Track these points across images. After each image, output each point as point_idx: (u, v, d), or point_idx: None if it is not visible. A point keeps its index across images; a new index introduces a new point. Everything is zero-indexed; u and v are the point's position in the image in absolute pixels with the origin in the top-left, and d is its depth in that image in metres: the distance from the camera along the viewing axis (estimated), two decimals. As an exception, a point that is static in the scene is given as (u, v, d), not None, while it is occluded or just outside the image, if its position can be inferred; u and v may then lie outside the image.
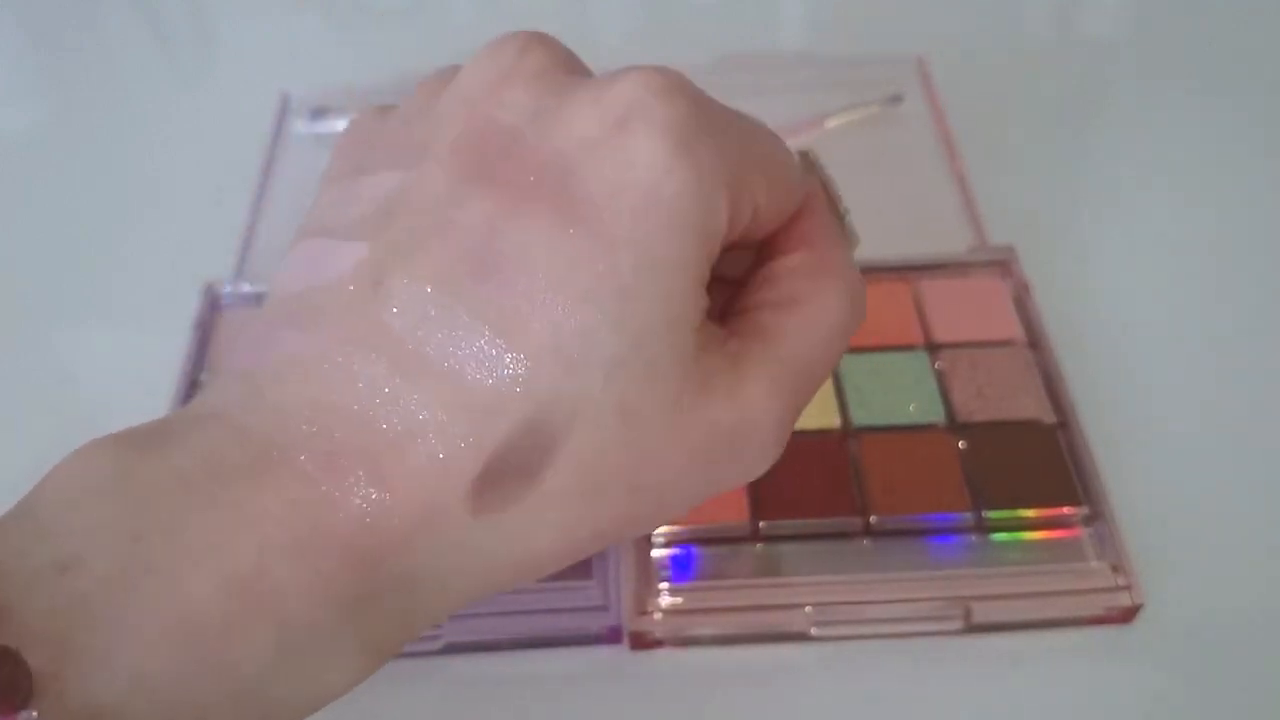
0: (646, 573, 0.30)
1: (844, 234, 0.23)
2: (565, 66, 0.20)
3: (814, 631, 0.29)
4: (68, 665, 0.15)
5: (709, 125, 0.19)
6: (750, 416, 0.19)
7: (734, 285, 0.22)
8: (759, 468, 0.20)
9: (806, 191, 0.22)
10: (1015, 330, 0.35)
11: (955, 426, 0.32)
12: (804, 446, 0.32)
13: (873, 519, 0.30)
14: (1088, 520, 0.30)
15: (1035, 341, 0.34)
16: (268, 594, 0.16)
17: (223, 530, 0.16)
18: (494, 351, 0.17)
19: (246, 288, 0.36)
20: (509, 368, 0.17)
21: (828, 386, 0.33)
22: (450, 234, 0.18)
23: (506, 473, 0.17)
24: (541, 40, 0.20)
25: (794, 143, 0.22)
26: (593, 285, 0.17)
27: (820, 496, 0.31)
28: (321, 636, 0.17)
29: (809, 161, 0.23)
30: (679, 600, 0.29)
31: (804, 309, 0.20)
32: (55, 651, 0.15)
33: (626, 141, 0.18)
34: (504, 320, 0.17)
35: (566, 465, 0.18)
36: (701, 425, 0.18)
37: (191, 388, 0.33)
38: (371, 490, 0.17)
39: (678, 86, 0.19)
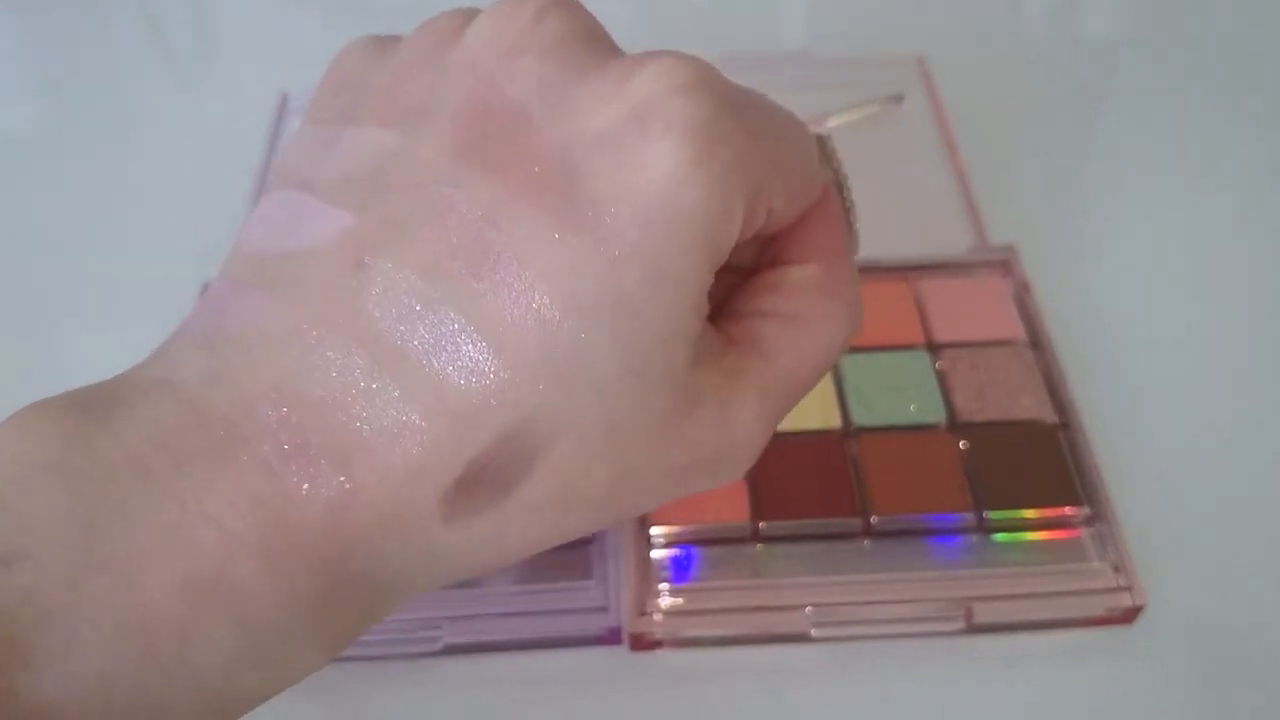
0: (646, 574, 0.30)
1: (852, 236, 0.22)
2: (585, 36, 0.18)
3: (814, 632, 0.29)
4: (21, 666, 0.14)
5: (734, 126, 0.17)
6: (734, 439, 0.18)
7: (737, 273, 0.21)
8: (731, 479, 0.19)
9: (823, 186, 0.21)
10: (1016, 330, 0.35)
11: (956, 426, 0.32)
12: (804, 446, 0.32)
13: (873, 519, 0.30)
14: (1089, 521, 0.30)
15: (1036, 341, 0.34)
16: (228, 594, 0.15)
17: (181, 526, 0.15)
18: (481, 357, 0.16)
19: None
20: (496, 375, 0.16)
21: (828, 386, 0.33)
22: (444, 219, 0.17)
23: (482, 483, 0.17)
24: (560, 5, 0.18)
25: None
26: (593, 297, 0.16)
27: (820, 497, 0.31)
28: (282, 634, 0.16)
29: (826, 149, 0.22)
30: (679, 601, 0.29)
31: (807, 328, 0.19)
32: (6, 652, 0.14)
33: (642, 144, 0.16)
34: (494, 325, 0.16)
35: (545, 479, 0.17)
36: (686, 445, 0.18)
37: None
38: (339, 492, 0.16)
39: (704, 81, 0.17)
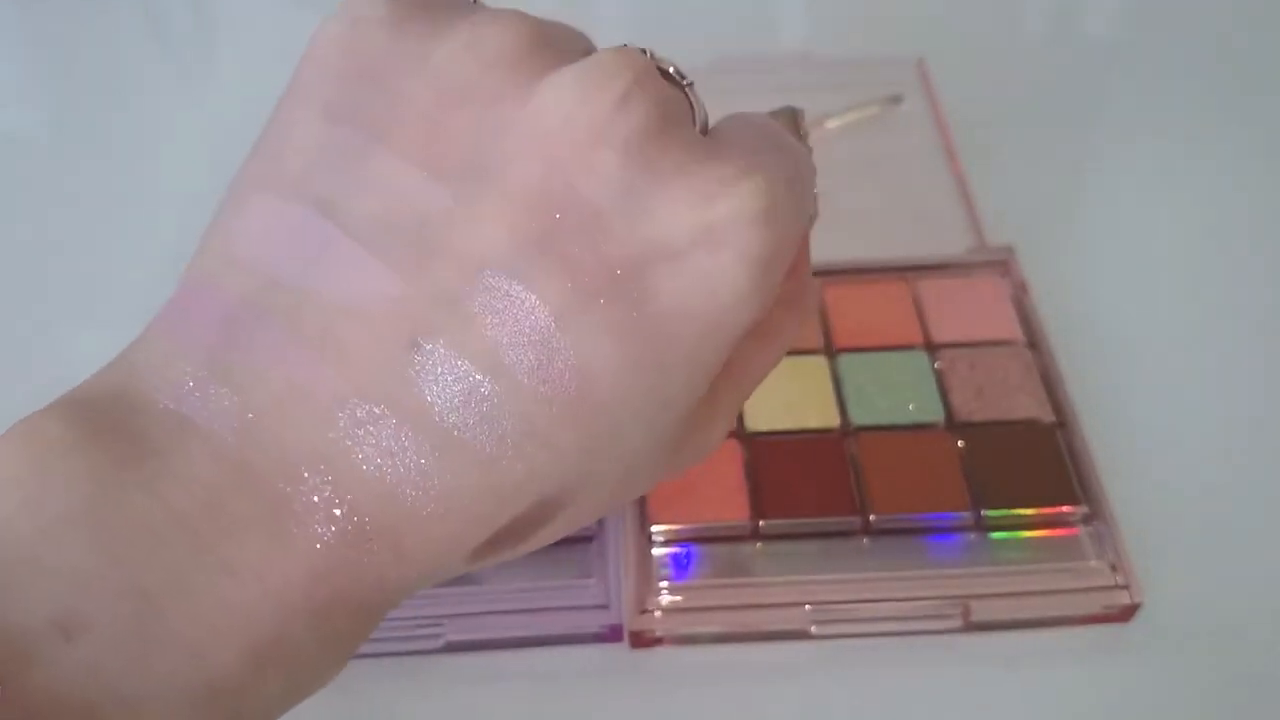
0: (646, 571, 0.30)
1: (812, 213, 0.23)
2: (663, 124, 0.17)
3: (814, 630, 0.29)
4: None
5: (789, 242, 0.18)
6: (709, 450, 0.21)
7: None
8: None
9: None
10: (1014, 330, 0.35)
11: (954, 426, 0.32)
12: (804, 446, 0.32)
13: (872, 518, 0.30)
14: (1086, 519, 0.30)
15: (1034, 341, 0.34)
16: (283, 651, 0.16)
17: (245, 603, 0.16)
18: (532, 448, 0.17)
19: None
20: (543, 461, 0.17)
21: (827, 386, 0.33)
22: (506, 313, 0.16)
23: (509, 538, 0.18)
24: (644, 89, 0.17)
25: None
26: (642, 399, 0.18)
27: (820, 496, 0.31)
28: (319, 668, 0.17)
29: (796, 125, 0.22)
30: (679, 599, 0.29)
31: (775, 338, 0.21)
32: None
33: (711, 266, 0.17)
34: (550, 425, 0.17)
35: (562, 520, 0.19)
36: (675, 466, 0.20)
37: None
38: (390, 563, 0.17)
39: (777, 206, 0.18)
